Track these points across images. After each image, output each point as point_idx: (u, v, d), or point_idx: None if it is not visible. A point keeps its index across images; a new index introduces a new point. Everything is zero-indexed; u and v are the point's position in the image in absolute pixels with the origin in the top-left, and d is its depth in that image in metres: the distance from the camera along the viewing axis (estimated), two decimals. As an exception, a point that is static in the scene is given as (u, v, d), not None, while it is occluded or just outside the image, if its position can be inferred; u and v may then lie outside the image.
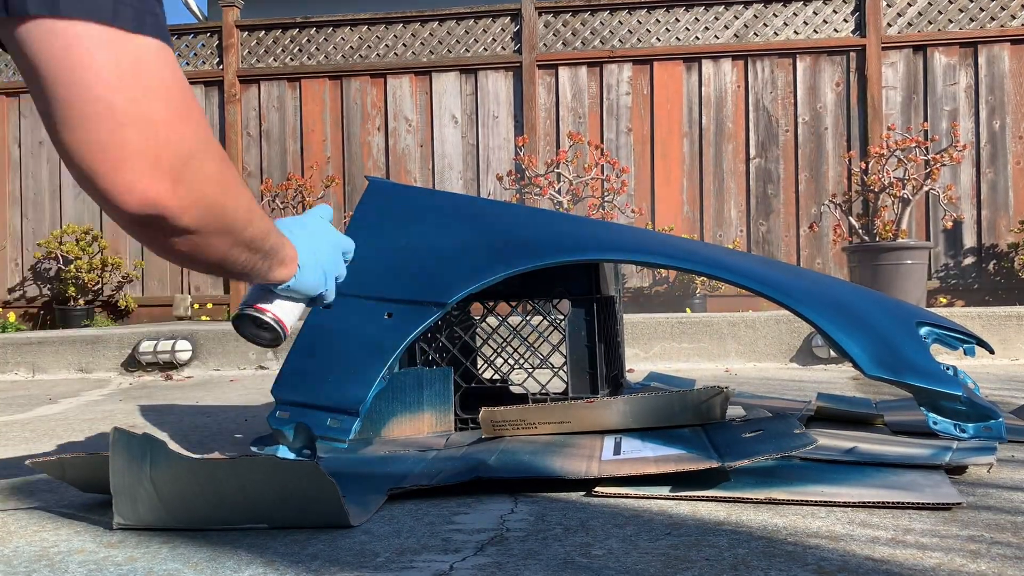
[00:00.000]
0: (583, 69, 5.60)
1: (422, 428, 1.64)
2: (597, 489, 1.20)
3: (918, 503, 1.09)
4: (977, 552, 0.91)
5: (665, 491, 1.18)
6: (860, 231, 4.61)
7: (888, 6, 5.35)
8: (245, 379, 3.39)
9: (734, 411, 1.65)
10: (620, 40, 5.57)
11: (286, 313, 1.24)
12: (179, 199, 0.81)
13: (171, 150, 0.79)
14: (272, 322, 1.22)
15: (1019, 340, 3.42)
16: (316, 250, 1.20)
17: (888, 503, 1.09)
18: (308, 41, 5.85)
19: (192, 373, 3.68)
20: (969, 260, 5.25)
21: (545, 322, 1.77)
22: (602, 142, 5.52)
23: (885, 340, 1.46)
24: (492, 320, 3.42)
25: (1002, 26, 5.24)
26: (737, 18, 5.47)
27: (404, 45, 5.76)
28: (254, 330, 1.24)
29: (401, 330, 1.52)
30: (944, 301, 5.15)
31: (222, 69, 5.88)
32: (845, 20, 5.39)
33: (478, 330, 1.85)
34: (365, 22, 5.80)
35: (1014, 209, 5.20)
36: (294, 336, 1.73)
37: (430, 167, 5.69)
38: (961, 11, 5.27)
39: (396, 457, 1.45)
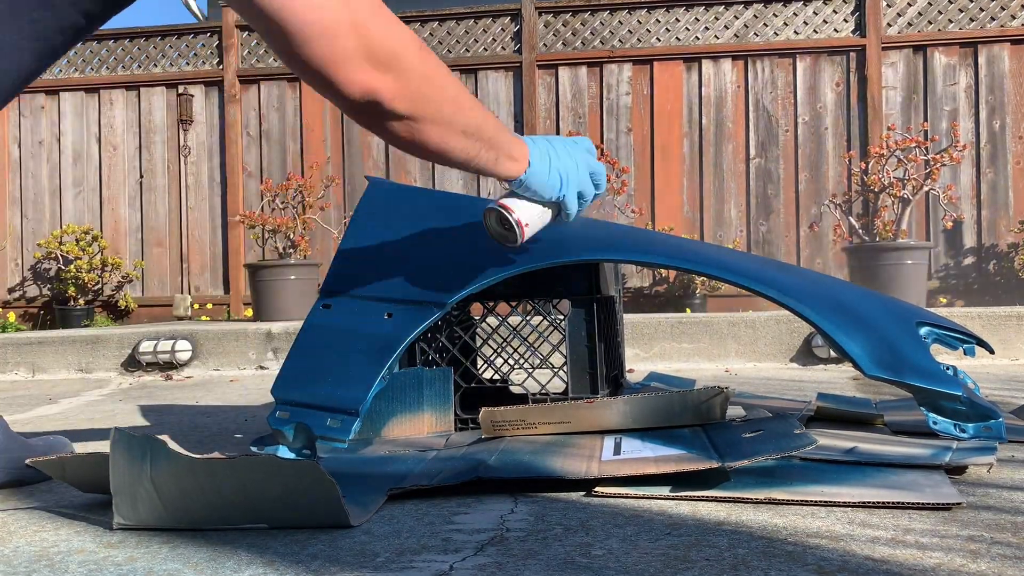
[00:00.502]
0: (583, 69, 5.60)
1: (422, 428, 1.64)
2: (597, 489, 1.20)
3: (918, 503, 1.09)
4: (977, 552, 0.91)
5: (665, 491, 1.18)
6: (860, 231, 4.61)
7: (888, 6, 5.35)
8: (245, 379, 3.39)
9: (734, 411, 1.65)
10: (620, 40, 5.57)
11: (527, 215, 1.33)
12: (388, 86, 1.04)
13: (378, 45, 1.01)
14: (511, 219, 1.32)
15: (1019, 340, 3.42)
16: (553, 155, 1.31)
17: (888, 503, 1.09)
18: (308, 41, 5.85)
19: (192, 373, 3.68)
20: (969, 260, 5.25)
21: (545, 322, 1.77)
22: (602, 142, 5.52)
23: (885, 340, 1.46)
24: (492, 320, 3.43)
25: (1002, 26, 5.24)
26: (737, 18, 5.47)
27: (404, 45, 5.76)
28: (496, 226, 1.35)
29: (401, 330, 1.52)
30: (944, 301, 5.15)
31: (222, 69, 5.89)
32: (845, 20, 5.40)
33: (478, 330, 1.85)
34: (365, 22, 5.79)
35: (1014, 209, 5.20)
36: (294, 336, 1.73)
37: (430, 167, 5.69)
38: (961, 11, 5.28)
39: (396, 457, 1.45)
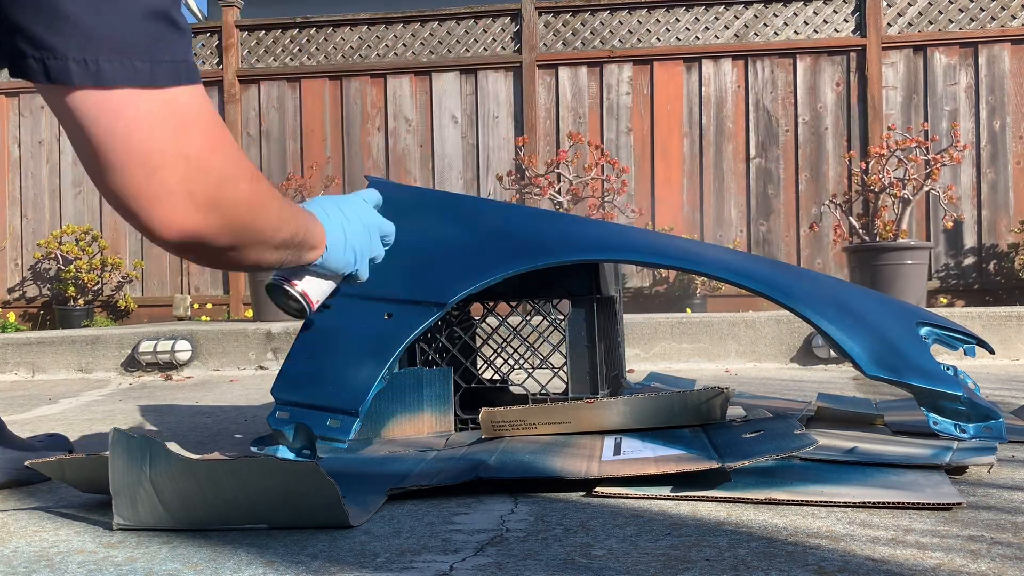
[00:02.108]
0: (583, 69, 5.60)
1: (422, 428, 1.64)
2: (597, 489, 1.20)
3: (918, 503, 1.09)
4: (977, 552, 0.91)
5: (665, 491, 1.18)
6: (860, 231, 4.61)
7: (888, 6, 5.35)
8: (245, 379, 3.39)
9: (734, 411, 1.65)
10: (620, 40, 5.57)
11: (314, 288, 1.34)
12: (212, 225, 0.90)
13: (203, 183, 0.87)
14: (299, 296, 1.32)
15: (1019, 340, 3.42)
16: (348, 232, 1.28)
17: (888, 503, 1.09)
18: (308, 41, 5.85)
19: (192, 373, 3.68)
20: (969, 260, 5.25)
21: (545, 322, 1.77)
22: (602, 142, 5.52)
23: (885, 340, 1.46)
24: (492, 320, 3.42)
25: (1002, 26, 5.24)
26: (737, 18, 5.47)
27: (404, 45, 5.76)
28: (284, 300, 1.35)
29: (401, 330, 1.52)
30: (944, 301, 5.15)
31: (222, 69, 5.88)
32: (845, 20, 5.40)
33: (478, 330, 1.85)
34: (365, 22, 5.80)
35: (1014, 209, 5.20)
36: (294, 336, 1.73)
37: (430, 167, 5.69)
38: (961, 11, 5.28)
39: (396, 457, 1.44)
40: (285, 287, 1.32)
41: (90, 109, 0.81)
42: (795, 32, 5.43)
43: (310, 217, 1.18)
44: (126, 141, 0.82)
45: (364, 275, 1.35)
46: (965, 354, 1.60)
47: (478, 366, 1.89)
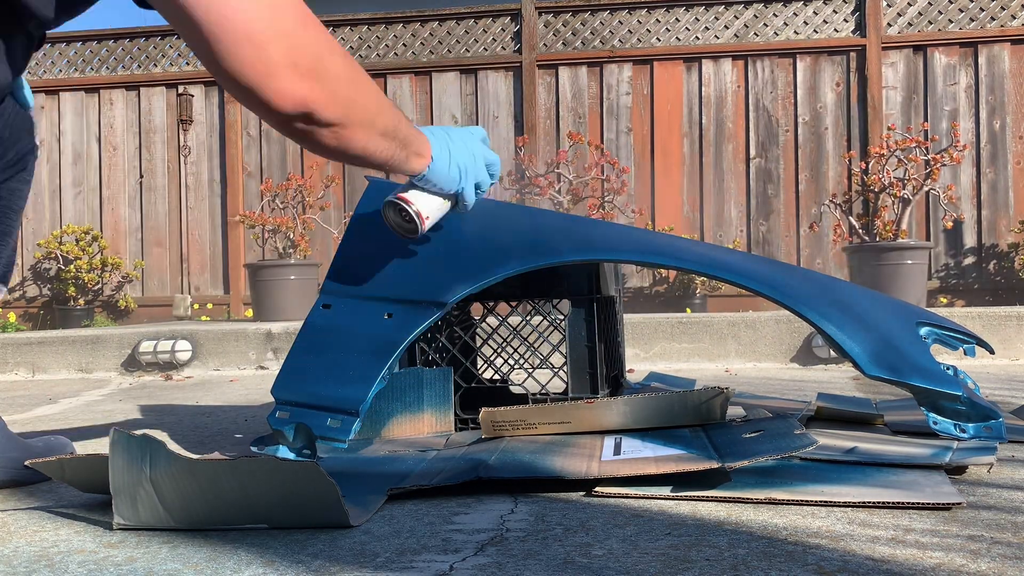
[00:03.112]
0: (583, 69, 5.60)
1: (422, 428, 1.64)
2: (597, 489, 1.20)
3: (918, 503, 1.09)
4: (977, 552, 0.91)
5: (666, 491, 1.18)
6: (860, 231, 4.61)
7: (888, 6, 5.35)
8: (245, 379, 3.39)
9: (734, 411, 1.65)
10: (620, 40, 5.57)
11: (425, 204, 1.39)
12: (318, 95, 1.01)
13: (305, 54, 0.99)
14: (413, 213, 1.38)
15: (1019, 340, 3.42)
16: (452, 149, 1.35)
17: (888, 503, 1.09)
18: (308, 41, 5.85)
19: (192, 373, 3.68)
20: (969, 260, 5.25)
21: (545, 322, 1.77)
22: (602, 142, 5.52)
23: (885, 340, 1.46)
24: (492, 320, 3.43)
25: (1002, 26, 5.24)
26: (737, 18, 5.47)
27: (404, 45, 5.76)
28: (396, 218, 1.40)
29: (401, 330, 1.52)
30: (944, 301, 5.15)
31: (222, 69, 5.88)
32: (845, 20, 5.40)
33: (478, 330, 1.85)
34: (365, 22, 5.80)
35: (1014, 209, 5.20)
36: (294, 336, 1.73)
37: (430, 167, 5.69)
38: (961, 11, 5.28)
39: (396, 457, 1.45)
40: (397, 202, 1.37)
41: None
42: (795, 32, 5.43)
43: (413, 124, 1.25)
44: (233, 24, 0.93)
45: (470, 198, 1.40)
46: (965, 354, 1.60)
47: (478, 366, 1.89)
